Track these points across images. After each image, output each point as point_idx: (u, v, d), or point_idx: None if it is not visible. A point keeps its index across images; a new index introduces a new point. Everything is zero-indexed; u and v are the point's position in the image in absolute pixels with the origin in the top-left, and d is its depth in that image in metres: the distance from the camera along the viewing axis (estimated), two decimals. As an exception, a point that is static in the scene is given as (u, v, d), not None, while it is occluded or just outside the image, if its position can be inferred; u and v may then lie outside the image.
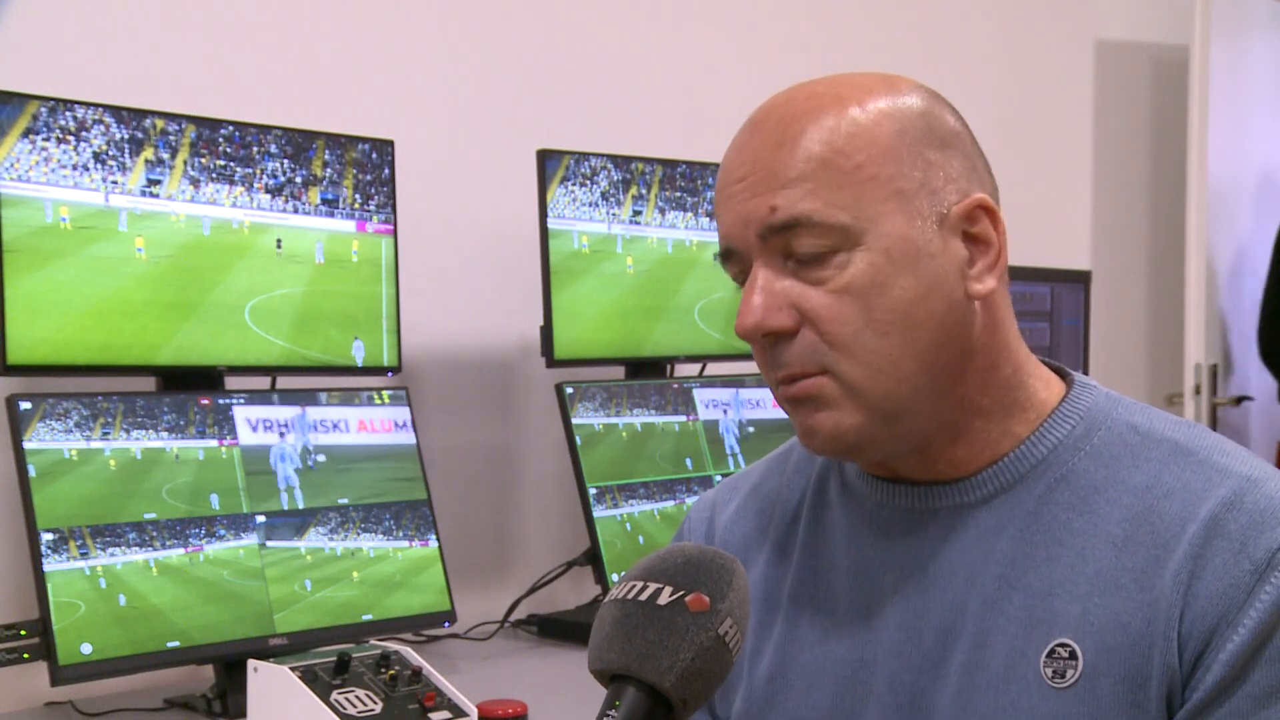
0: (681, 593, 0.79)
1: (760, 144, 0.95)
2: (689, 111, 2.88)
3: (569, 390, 2.35)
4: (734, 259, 0.97)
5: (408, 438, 2.15)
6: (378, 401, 2.13)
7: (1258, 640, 0.88)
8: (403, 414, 2.15)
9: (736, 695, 1.07)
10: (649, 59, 2.87)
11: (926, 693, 0.96)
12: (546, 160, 2.35)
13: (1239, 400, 3.90)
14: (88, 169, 1.86)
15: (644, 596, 0.80)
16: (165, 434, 1.88)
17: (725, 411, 2.57)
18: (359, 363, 2.13)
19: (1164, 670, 0.89)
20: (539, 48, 2.68)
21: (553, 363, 2.36)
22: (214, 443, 1.93)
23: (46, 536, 1.73)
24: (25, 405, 1.77)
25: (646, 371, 2.53)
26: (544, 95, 2.66)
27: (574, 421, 2.33)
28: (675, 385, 2.53)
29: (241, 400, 1.97)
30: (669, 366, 2.59)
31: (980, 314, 0.97)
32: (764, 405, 2.64)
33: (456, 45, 2.56)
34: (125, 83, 2.07)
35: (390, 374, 2.20)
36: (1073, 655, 0.92)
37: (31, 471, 1.75)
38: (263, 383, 2.07)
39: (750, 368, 2.69)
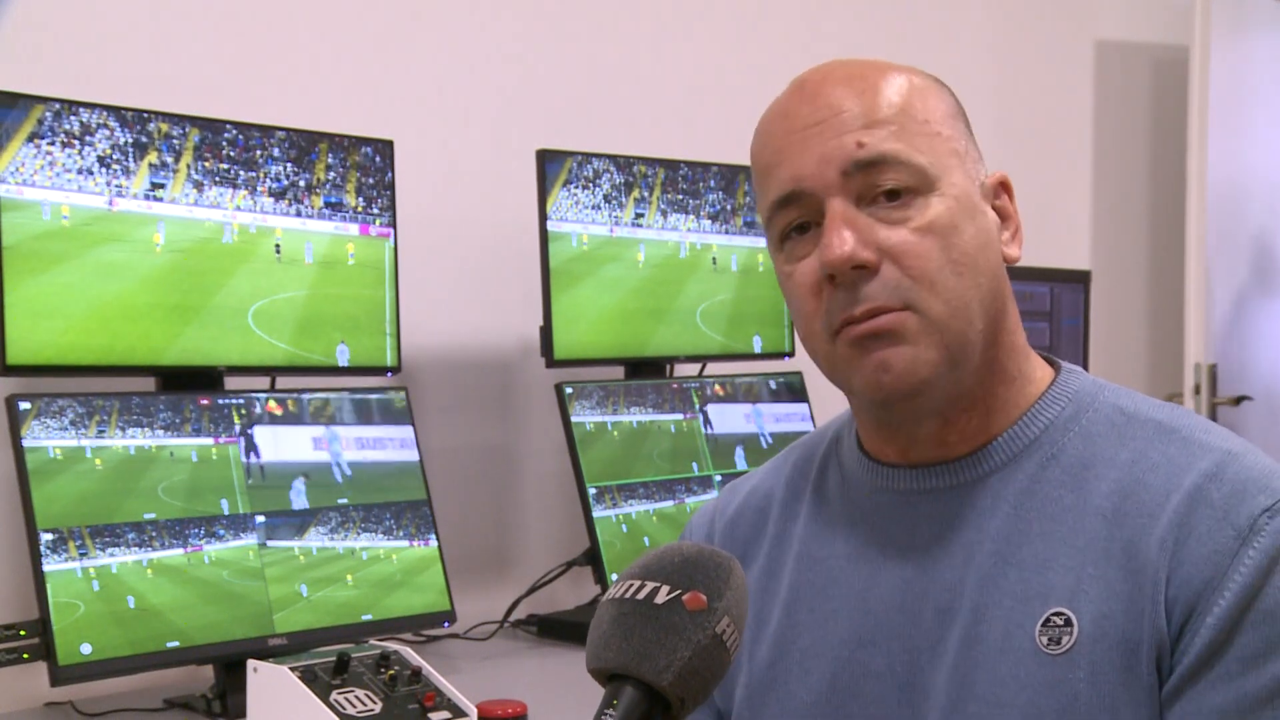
0: (679, 592, 0.79)
1: (835, 93, 0.98)
2: (691, 113, 2.88)
3: (568, 390, 2.35)
4: (799, 202, 0.98)
5: (409, 442, 2.15)
6: (377, 419, 2.13)
7: (1243, 603, 0.90)
8: (402, 417, 2.15)
9: (737, 685, 1.08)
10: (650, 60, 2.87)
11: (924, 670, 0.98)
12: (547, 161, 2.36)
13: (1238, 400, 3.90)
14: (92, 173, 1.86)
15: (641, 595, 0.80)
16: (161, 432, 1.88)
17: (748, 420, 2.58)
18: (340, 363, 2.12)
19: (1153, 634, 0.92)
20: (540, 48, 2.68)
21: (552, 363, 2.36)
22: (210, 441, 1.93)
23: (46, 537, 1.73)
24: (24, 405, 1.77)
25: (646, 372, 2.53)
26: (544, 96, 2.67)
27: (573, 421, 2.33)
28: (675, 385, 2.53)
29: (241, 400, 1.97)
30: (669, 367, 2.59)
31: (1006, 281, 1.02)
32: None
33: (457, 46, 2.56)
34: (127, 84, 2.06)
35: (390, 374, 2.20)
36: (1068, 623, 0.94)
37: (28, 470, 1.75)
38: (262, 382, 2.07)
39: (753, 367, 2.69)
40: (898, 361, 0.96)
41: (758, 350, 2.68)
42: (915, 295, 0.95)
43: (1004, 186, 1.02)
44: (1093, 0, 3.99)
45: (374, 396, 2.13)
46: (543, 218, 2.35)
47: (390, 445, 2.13)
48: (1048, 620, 0.94)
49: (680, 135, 2.76)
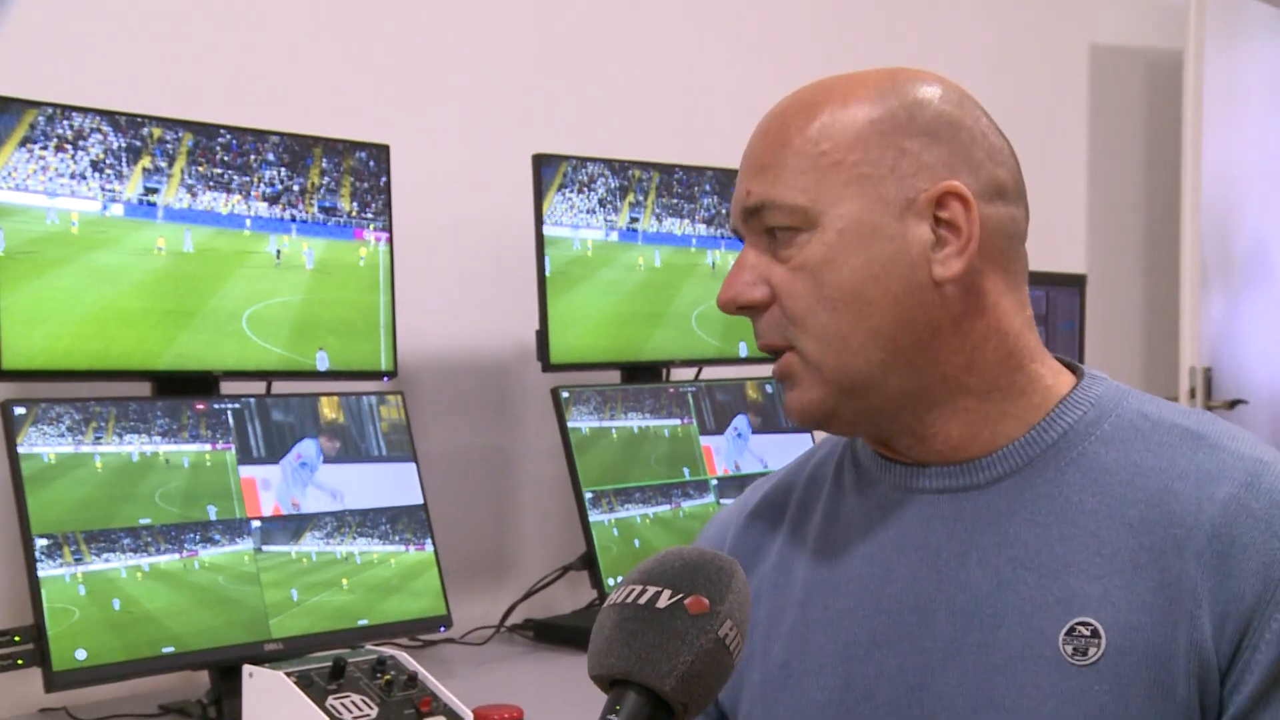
0: (680, 595, 0.79)
1: (755, 137, 1.03)
2: (686, 117, 2.88)
3: (565, 394, 2.34)
4: (742, 240, 1.05)
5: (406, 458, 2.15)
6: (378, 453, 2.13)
7: None
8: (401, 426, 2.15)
9: (746, 683, 1.07)
10: (645, 64, 2.87)
11: (938, 674, 0.97)
12: (542, 166, 2.35)
13: (1233, 403, 3.90)
14: (85, 178, 1.85)
15: (643, 600, 0.80)
16: (158, 438, 1.87)
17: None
18: (319, 368, 2.10)
19: (1190, 648, 0.91)
20: (536, 53, 2.68)
21: (548, 367, 2.36)
22: (207, 447, 1.92)
23: (41, 542, 1.73)
24: (20, 410, 1.76)
25: (643, 376, 2.53)
26: (541, 101, 2.66)
27: (569, 425, 2.33)
28: (671, 389, 2.52)
29: (238, 405, 1.96)
30: (665, 371, 2.58)
31: (958, 297, 0.98)
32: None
33: (453, 50, 2.56)
34: (129, 90, 2.05)
35: (386, 378, 2.19)
36: (1095, 634, 0.93)
37: (23, 476, 1.74)
38: (258, 387, 2.06)
39: (751, 371, 2.69)
40: (794, 404, 1.02)
41: (743, 355, 2.67)
42: (792, 334, 1.00)
43: (953, 196, 0.97)
44: (1088, 5, 4.00)
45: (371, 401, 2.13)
46: (539, 222, 2.35)
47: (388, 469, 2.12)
48: (1073, 630, 0.93)
49: (679, 139, 2.76)
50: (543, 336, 2.35)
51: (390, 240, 2.19)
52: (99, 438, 1.82)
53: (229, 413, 1.95)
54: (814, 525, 1.08)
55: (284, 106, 2.26)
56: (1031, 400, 1.01)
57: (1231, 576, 0.90)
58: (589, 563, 2.30)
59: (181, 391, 1.95)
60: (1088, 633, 0.93)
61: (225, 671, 1.83)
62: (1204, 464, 0.95)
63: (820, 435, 1.11)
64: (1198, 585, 0.91)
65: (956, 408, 1.00)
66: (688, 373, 2.65)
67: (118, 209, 1.89)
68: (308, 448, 2.03)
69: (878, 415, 1.00)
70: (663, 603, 0.79)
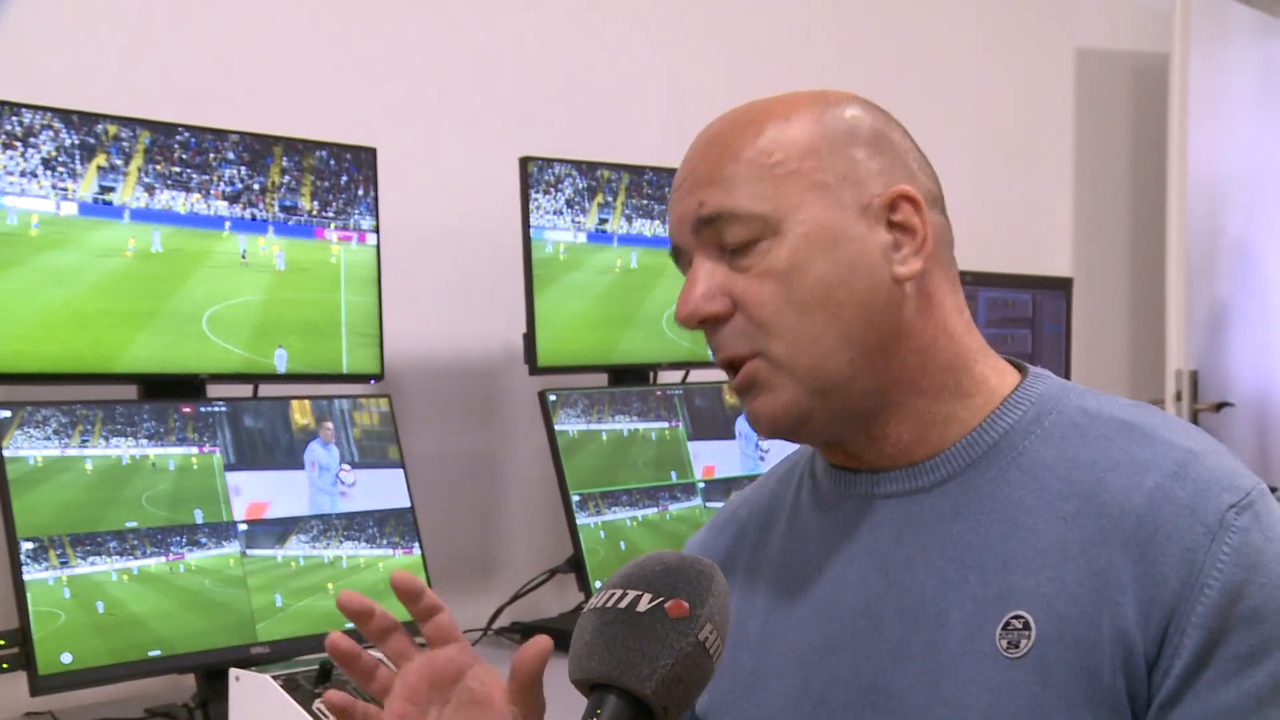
0: (661, 599, 0.80)
1: (697, 153, 1.04)
2: (684, 119, 2.88)
3: (552, 397, 2.34)
4: (681, 257, 1.05)
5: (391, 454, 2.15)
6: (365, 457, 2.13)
7: (1227, 601, 0.90)
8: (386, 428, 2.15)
9: (718, 691, 1.08)
10: (629, 65, 2.87)
11: (888, 675, 0.98)
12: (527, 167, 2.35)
13: (1219, 406, 3.91)
14: (36, 176, 1.83)
15: (623, 604, 0.80)
16: (145, 441, 1.87)
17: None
18: (279, 369, 2.09)
19: (1115, 634, 0.91)
20: (521, 57, 2.68)
21: (535, 370, 2.36)
22: (194, 450, 1.92)
23: (26, 545, 1.73)
24: (5, 414, 1.76)
25: (630, 379, 2.53)
26: (526, 102, 2.67)
27: (557, 428, 2.33)
28: (658, 392, 2.53)
29: (226, 408, 1.96)
30: (651, 374, 2.59)
31: (913, 297, 1.01)
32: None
33: (437, 52, 2.56)
34: (122, 92, 2.05)
35: (372, 381, 2.19)
36: (1026, 626, 0.94)
37: (9, 479, 1.74)
38: (244, 390, 2.06)
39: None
40: (762, 410, 1.01)
41: (712, 358, 2.66)
42: (761, 341, 1.00)
43: (905, 200, 1.00)
44: (1074, 8, 4.01)
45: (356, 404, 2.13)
46: (525, 225, 2.35)
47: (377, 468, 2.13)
48: (1007, 624, 0.94)
49: (677, 141, 2.76)
50: (530, 339, 2.35)
51: (378, 241, 2.18)
52: (85, 441, 1.82)
53: (215, 416, 1.95)
54: (776, 538, 1.10)
55: (268, 109, 2.26)
56: (975, 402, 1.02)
57: (1156, 563, 0.91)
58: (576, 565, 2.31)
59: (168, 395, 1.95)
60: (1020, 625, 0.94)
61: (211, 675, 1.83)
62: (1136, 454, 0.96)
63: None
64: (1122, 573, 0.92)
65: (909, 409, 1.01)
66: (675, 375, 2.66)
67: (71, 207, 1.86)
68: (315, 452, 2.04)
69: (843, 418, 1.01)
70: (643, 606, 0.80)
